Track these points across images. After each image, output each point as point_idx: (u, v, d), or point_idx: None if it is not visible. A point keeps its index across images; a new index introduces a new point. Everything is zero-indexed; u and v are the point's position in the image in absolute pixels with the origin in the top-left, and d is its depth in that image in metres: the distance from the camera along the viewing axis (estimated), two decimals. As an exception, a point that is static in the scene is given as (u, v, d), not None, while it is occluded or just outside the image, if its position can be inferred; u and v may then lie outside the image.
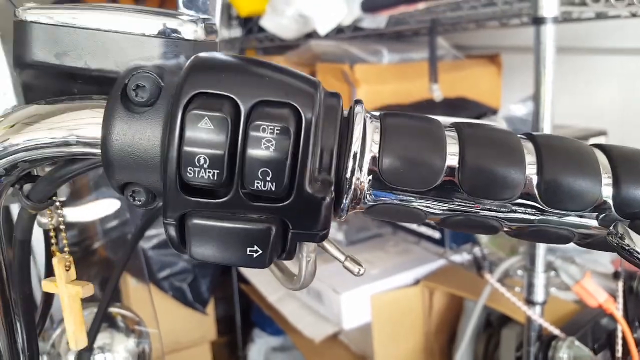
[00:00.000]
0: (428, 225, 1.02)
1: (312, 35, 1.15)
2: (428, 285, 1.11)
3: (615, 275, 0.78)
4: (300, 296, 1.28)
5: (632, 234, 0.25)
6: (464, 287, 1.04)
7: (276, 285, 1.35)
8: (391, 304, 1.11)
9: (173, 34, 0.28)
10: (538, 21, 0.72)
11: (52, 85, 0.29)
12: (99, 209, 0.88)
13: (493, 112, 1.17)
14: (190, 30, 0.28)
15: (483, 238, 0.98)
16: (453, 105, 1.10)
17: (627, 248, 0.25)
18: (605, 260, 0.91)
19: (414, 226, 1.05)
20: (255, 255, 0.25)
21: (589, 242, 0.28)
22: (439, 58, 1.19)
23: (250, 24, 1.35)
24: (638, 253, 0.25)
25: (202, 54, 0.25)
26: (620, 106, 1.06)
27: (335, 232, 1.34)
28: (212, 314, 1.63)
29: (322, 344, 1.19)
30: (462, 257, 1.02)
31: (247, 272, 1.49)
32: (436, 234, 1.00)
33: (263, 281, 1.40)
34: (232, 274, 1.68)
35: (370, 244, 1.31)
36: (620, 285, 0.76)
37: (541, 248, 0.77)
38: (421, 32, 1.33)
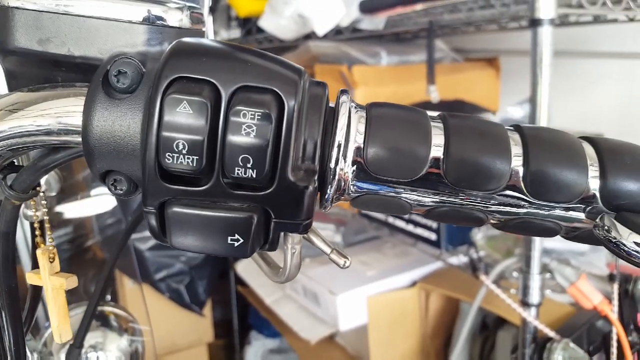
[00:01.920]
0: (424, 226, 1.01)
1: (310, 36, 1.16)
2: (424, 287, 1.11)
3: (611, 278, 0.77)
4: (297, 298, 1.28)
5: (619, 226, 0.25)
6: (460, 289, 1.03)
7: (273, 287, 1.35)
8: (387, 306, 1.10)
9: (158, 21, 0.28)
10: (535, 23, 0.72)
11: (35, 72, 0.29)
12: (95, 205, 0.88)
13: (491, 114, 1.17)
14: (175, 18, 0.28)
15: (479, 240, 0.98)
16: (451, 108, 1.10)
17: (613, 241, 0.25)
18: (601, 263, 0.90)
19: (410, 227, 1.05)
20: (236, 244, 0.25)
21: (576, 235, 0.28)
22: (438, 61, 1.20)
23: (249, 24, 1.35)
24: (625, 246, 0.24)
25: (184, 39, 0.25)
26: (617, 109, 1.06)
27: (333, 234, 1.34)
28: (209, 316, 1.63)
29: (318, 345, 1.18)
30: (458, 259, 1.01)
31: (244, 274, 1.48)
32: (432, 236, 1.00)
33: (260, 283, 1.40)
34: (230, 276, 1.68)
35: (367, 246, 1.32)
36: (615, 287, 0.76)
37: (536, 250, 0.77)
38: (420, 35, 1.34)
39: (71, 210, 0.83)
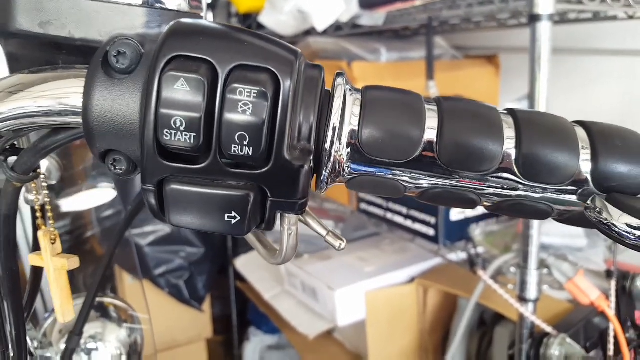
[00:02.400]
0: (422, 222, 1.02)
1: (310, 32, 1.16)
2: (422, 283, 1.11)
3: (608, 274, 0.78)
4: (296, 293, 1.28)
5: (610, 207, 0.25)
6: (459, 285, 1.04)
7: (272, 282, 1.35)
8: (386, 302, 1.11)
9: (156, 4, 0.28)
10: (534, 18, 0.72)
11: (36, 55, 0.29)
12: (93, 198, 0.88)
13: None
14: (174, 1, 0.29)
15: (477, 236, 0.98)
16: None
17: (605, 222, 0.25)
18: (598, 259, 0.91)
19: (408, 223, 1.05)
20: (233, 222, 0.25)
21: (568, 217, 0.28)
22: (438, 57, 1.20)
23: (249, 20, 1.35)
24: (616, 227, 0.25)
25: (182, 20, 0.25)
26: (618, 107, 1.07)
27: (333, 231, 1.34)
28: (208, 311, 1.64)
29: (317, 341, 1.19)
30: (456, 255, 1.02)
31: (243, 269, 1.49)
32: (430, 232, 1.00)
33: (259, 279, 1.40)
34: (229, 272, 1.68)
35: (366, 243, 1.32)
36: (613, 284, 0.76)
37: (534, 246, 0.77)
38: (420, 32, 1.34)
39: (69, 203, 0.84)
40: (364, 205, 1.18)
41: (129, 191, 0.96)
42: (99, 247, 1.01)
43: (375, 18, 1.05)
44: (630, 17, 0.86)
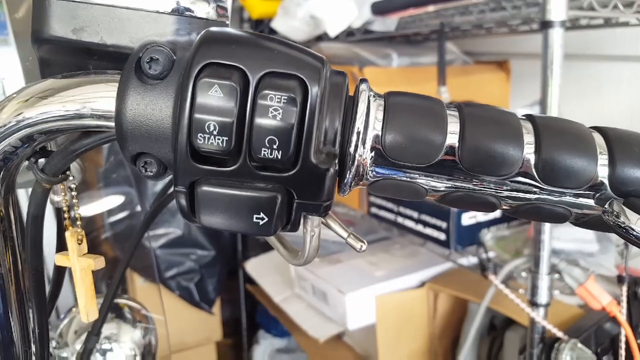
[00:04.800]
0: (433, 226, 1.02)
1: (322, 37, 1.17)
2: (433, 287, 1.11)
3: (620, 280, 0.78)
4: (306, 297, 1.29)
5: (628, 211, 0.26)
6: (469, 290, 1.04)
7: (282, 286, 1.36)
8: (396, 306, 1.11)
9: (186, 12, 0.29)
10: (546, 25, 0.73)
11: (68, 60, 0.30)
12: (103, 202, 0.89)
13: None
14: (203, 9, 0.29)
15: (488, 240, 0.99)
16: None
17: (622, 225, 0.26)
18: (610, 264, 0.91)
19: (419, 227, 1.06)
20: (261, 222, 0.26)
21: (586, 221, 0.29)
22: (449, 63, 1.21)
23: (261, 26, 1.36)
24: (633, 230, 0.25)
25: (213, 28, 0.26)
26: (629, 112, 1.07)
27: (342, 235, 1.34)
28: (218, 314, 1.64)
29: (327, 344, 1.19)
30: (467, 259, 1.02)
31: (253, 272, 1.50)
32: (441, 236, 1.01)
33: (269, 282, 1.41)
34: (239, 274, 1.69)
35: (376, 247, 1.32)
36: (624, 289, 0.76)
37: (545, 250, 0.78)
38: (430, 37, 1.35)
39: (84, 208, 0.85)
40: (374, 209, 1.18)
41: (146, 192, 0.97)
42: (110, 249, 1.02)
43: (387, 24, 1.06)
44: (643, 23, 0.86)
